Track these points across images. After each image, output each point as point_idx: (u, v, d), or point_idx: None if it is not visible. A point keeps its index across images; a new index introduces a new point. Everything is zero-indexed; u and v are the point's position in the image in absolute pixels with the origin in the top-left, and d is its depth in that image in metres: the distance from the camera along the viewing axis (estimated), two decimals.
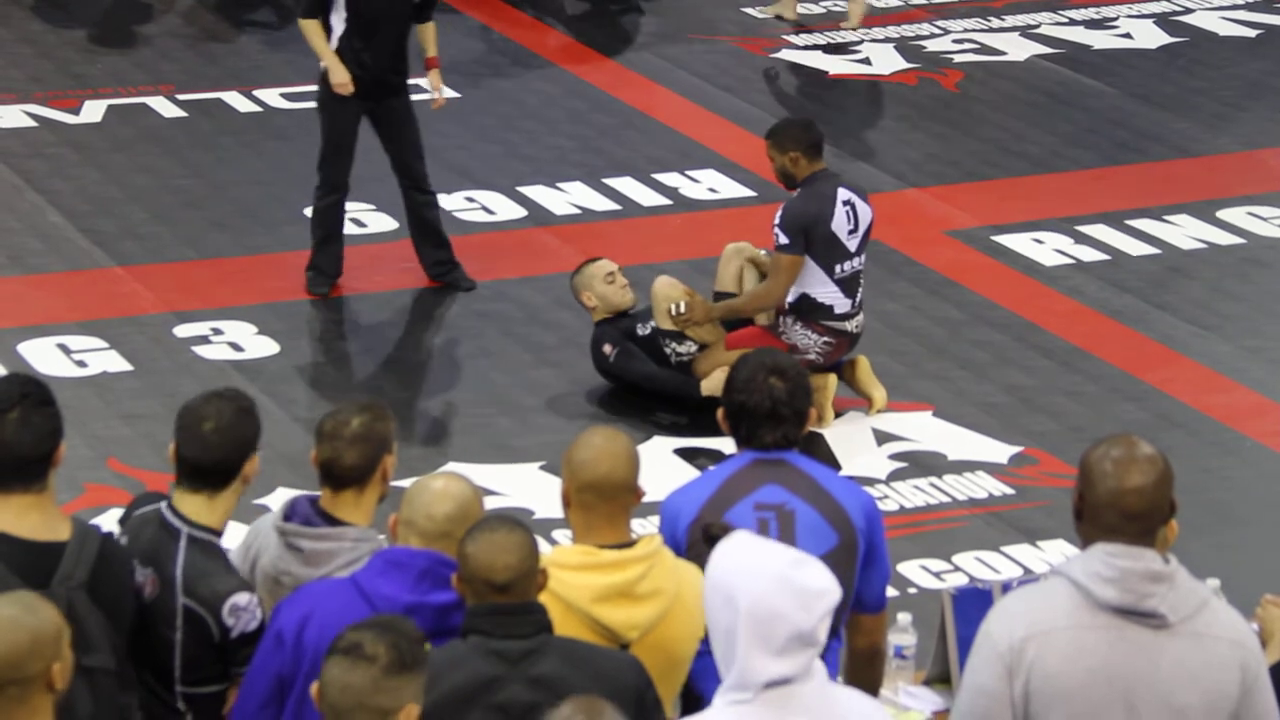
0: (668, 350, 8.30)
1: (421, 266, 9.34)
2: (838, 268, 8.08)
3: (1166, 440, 7.95)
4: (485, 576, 4.18)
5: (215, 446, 4.54)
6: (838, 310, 8.09)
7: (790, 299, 8.08)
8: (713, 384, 8.07)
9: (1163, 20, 13.01)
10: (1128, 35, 12.78)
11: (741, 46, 12.64)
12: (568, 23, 13.17)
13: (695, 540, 4.80)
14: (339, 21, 9.09)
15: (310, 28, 9.08)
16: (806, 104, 11.74)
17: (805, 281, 8.05)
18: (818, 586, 3.75)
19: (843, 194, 8.12)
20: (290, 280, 9.37)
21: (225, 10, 13.20)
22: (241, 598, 4.51)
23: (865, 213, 8.19)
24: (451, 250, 9.33)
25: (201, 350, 8.78)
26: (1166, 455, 4.13)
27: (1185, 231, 10.11)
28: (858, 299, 8.18)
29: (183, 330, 8.95)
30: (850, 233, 8.10)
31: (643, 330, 8.38)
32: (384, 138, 9.22)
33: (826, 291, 8.07)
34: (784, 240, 7.99)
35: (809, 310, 8.07)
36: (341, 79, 8.97)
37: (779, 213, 8.06)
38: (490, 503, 7.50)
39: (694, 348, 8.27)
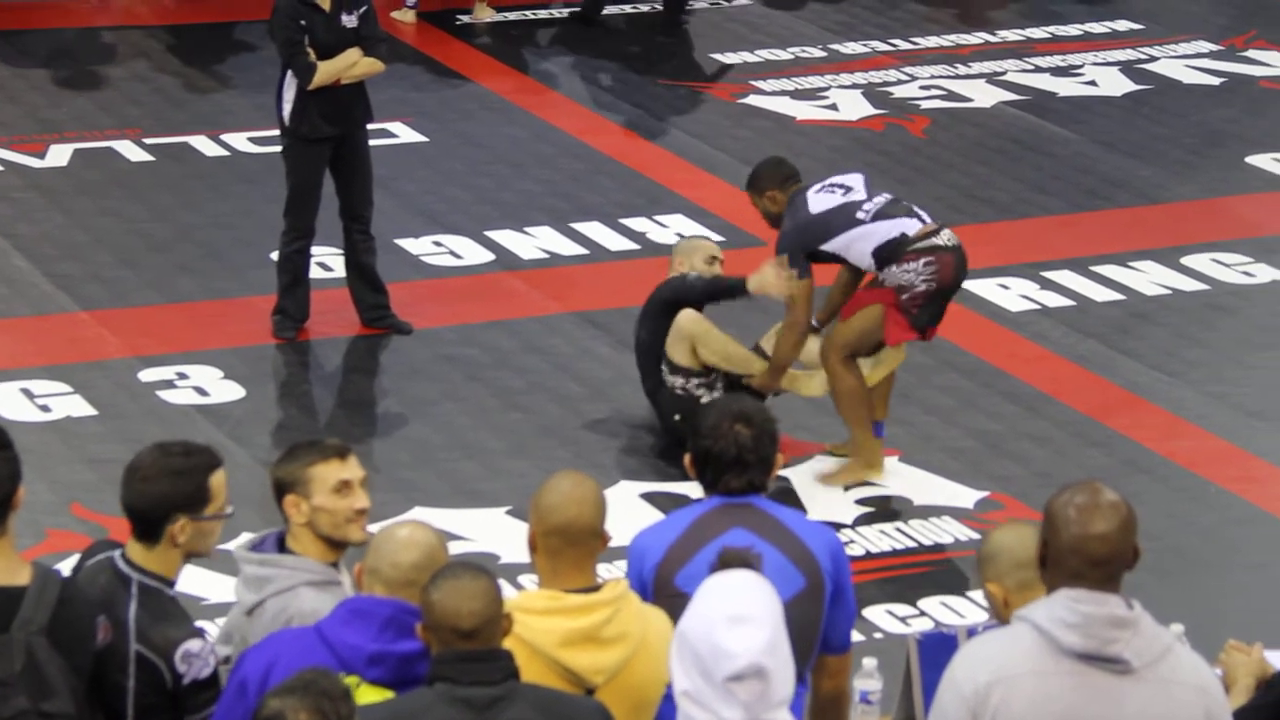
0: (666, 382, 8.27)
1: (357, 311, 9.36)
2: (859, 214, 7.99)
3: (1131, 486, 7.98)
4: (451, 623, 4.18)
5: (139, 497, 4.57)
6: (911, 234, 7.96)
7: (869, 263, 7.96)
8: (757, 281, 8.05)
9: (1128, 68, 13.10)
10: (1093, 83, 12.86)
11: (709, 92, 12.69)
12: (535, 67, 13.21)
13: (663, 583, 4.81)
14: None
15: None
16: (773, 149, 11.74)
17: (863, 245, 7.94)
18: (733, 648, 3.83)
19: (815, 185, 8.15)
20: (256, 324, 9.37)
21: (193, 54, 13.22)
22: (194, 644, 4.51)
23: (847, 177, 8.18)
24: (388, 296, 9.36)
25: (166, 395, 8.77)
26: (1131, 501, 4.15)
27: (1150, 277, 10.16)
28: (922, 215, 8.03)
29: (148, 375, 8.94)
30: (845, 193, 8.08)
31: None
32: (339, 179, 9.25)
33: (881, 233, 7.94)
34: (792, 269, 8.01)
35: (888, 254, 7.94)
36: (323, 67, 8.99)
37: (779, 241, 8.07)
38: (456, 547, 7.50)
39: (695, 387, 8.27)
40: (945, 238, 8.03)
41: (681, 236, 8.67)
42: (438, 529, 4.61)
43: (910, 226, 7.99)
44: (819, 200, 8.08)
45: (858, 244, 7.96)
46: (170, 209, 10.79)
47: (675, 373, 8.30)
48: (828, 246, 8.02)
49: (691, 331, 8.26)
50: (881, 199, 8.09)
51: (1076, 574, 4.05)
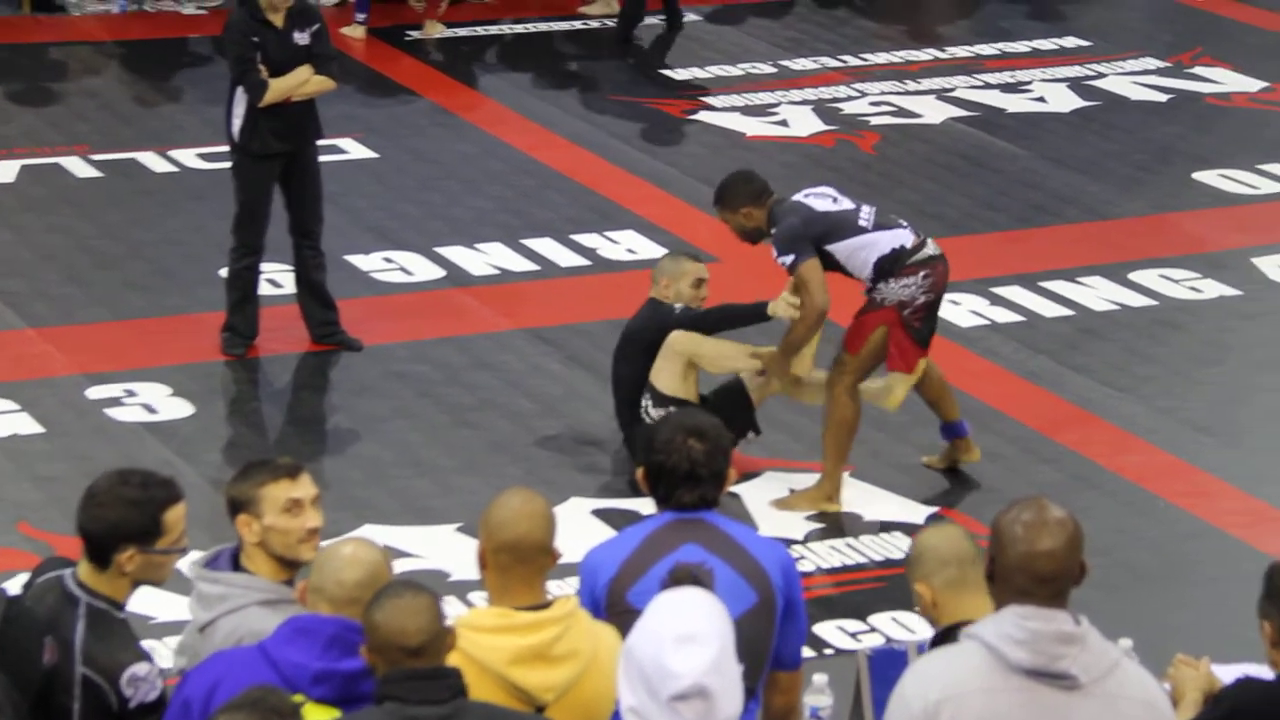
0: (645, 415, 8.20)
1: (306, 327, 9.33)
2: (861, 222, 7.98)
3: (1080, 501, 8.01)
4: (398, 642, 4.17)
5: (91, 521, 4.54)
6: (909, 245, 7.96)
7: (869, 274, 7.95)
8: (777, 306, 7.98)
9: (1076, 85, 13.16)
10: (1042, 99, 12.92)
11: (660, 108, 12.70)
12: (486, 83, 13.20)
13: (615, 600, 4.81)
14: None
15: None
16: (724, 165, 11.79)
17: (865, 256, 7.91)
18: (677, 668, 3.84)
19: (801, 193, 8.12)
20: (205, 341, 9.33)
21: (142, 70, 13.18)
22: (141, 668, 4.49)
23: (826, 188, 8.16)
24: (338, 312, 9.34)
25: (114, 412, 8.73)
26: (1080, 516, 4.17)
27: (1098, 293, 10.21)
28: (909, 226, 8.05)
29: (95, 392, 8.89)
30: (835, 202, 8.06)
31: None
32: (289, 195, 9.23)
33: (883, 244, 7.92)
34: (789, 257, 7.90)
35: (888, 266, 7.93)
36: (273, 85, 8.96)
37: (774, 249, 7.96)
38: (406, 565, 7.50)
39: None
40: (933, 247, 8.06)
41: (668, 253, 8.52)
42: (382, 546, 4.60)
43: (906, 238, 8.00)
44: (817, 203, 8.05)
45: (861, 252, 7.94)
46: (118, 225, 10.75)
47: (660, 403, 8.16)
48: (832, 249, 7.95)
49: (686, 350, 8.15)
50: (871, 208, 8.09)
51: (1024, 591, 4.06)
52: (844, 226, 7.97)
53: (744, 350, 8.23)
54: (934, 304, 8.00)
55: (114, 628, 4.55)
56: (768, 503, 8.02)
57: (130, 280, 10.09)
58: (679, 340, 8.16)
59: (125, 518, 4.53)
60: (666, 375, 8.18)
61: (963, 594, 4.64)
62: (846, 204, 8.08)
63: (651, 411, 8.20)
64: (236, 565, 4.74)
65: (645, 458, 4.91)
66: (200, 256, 10.22)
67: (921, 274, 7.94)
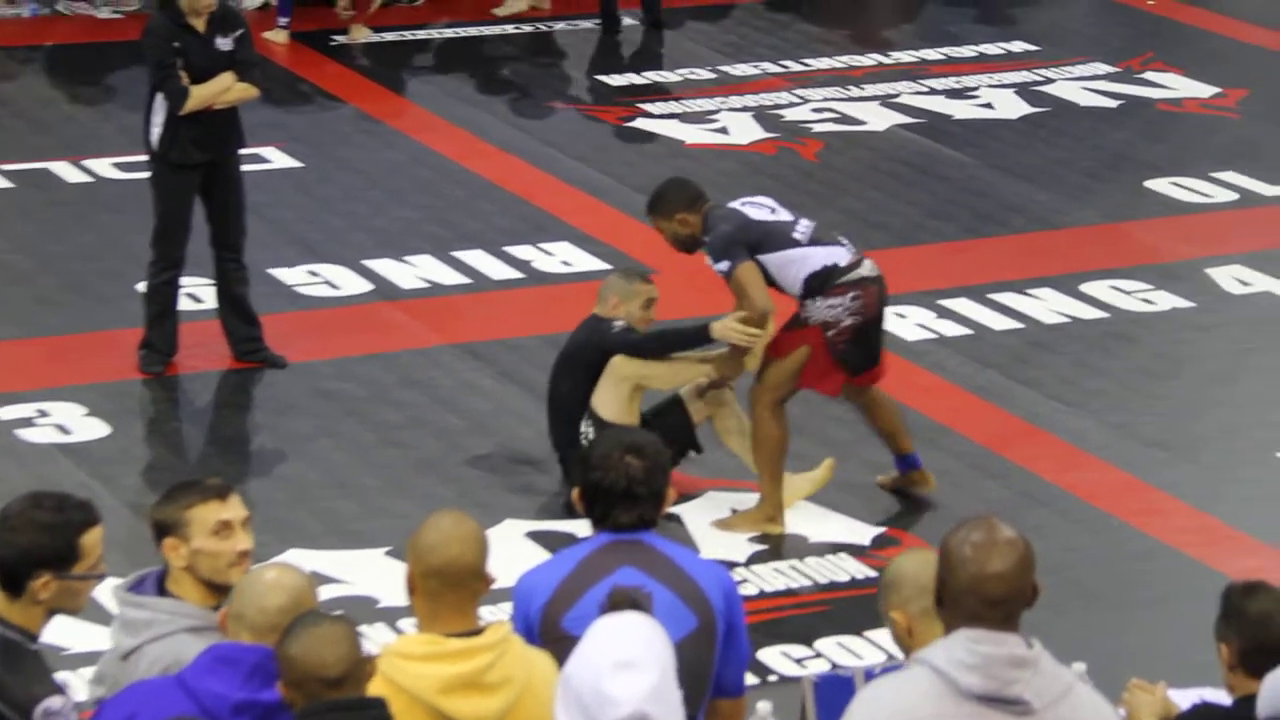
0: (584, 438, 8.18)
1: (228, 344, 9.29)
2: (796, 235, 8.01)
3: (1031, 519, 8.04)
4: (318, 674, 4.15)
5: (3, 547, 4.51)
6: (842, 264, 7.99)
7: (798, 290, 7.98)
8: (726, 330, 7.96)
9: (1024, 90, 13.23)
10: (989, 105, 12.98)
11: (595, 115, 12.70)
12: (414, 89, 13.18)
13: (549, 625, 4.79)
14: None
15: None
16: (662, 174, 11.77)
17: (796, 270, 7.94)
18: (616, 695, 3.82)
19: (737, 201, 8.14)
20: (122, 359, 9.28)
21: (56, 76, 13.10)
22: (55, 701, 4.45)
23: (763, 198, 8.19)
24: (261, 328, 9.30)
25: (26, 433, 8.66)
26: (1030, 535, 4.17)
27: (1048, 305, 10.25)
28: (847, 244, 8.08)
29: (6, 412, 8.83)
30: (773, 212, 8.09)
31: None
32: (210, 206, 9.20)
33: (816, 260, 7.95)
34: (725, 263, 7.91)
35: (818, 284, 7.96)
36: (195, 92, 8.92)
37: (708, 256, 7.96)
38: (333, 590, 7.46)
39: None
40: (869, 268, 8.08)
41: (628, 271, 8.48)
42: (306, 571, 4.58)
43: (841, 256, 8.02)
44: (753, 211, 8.07)
45: (792, 267, 7.96)
46: (31, 239, 10.68)
47: (601, 429, 8.17)
48: (764, 259, 7.97)
49: (634, 374, 8.14)
50: (808, 223, 8.11)
51: (974, 614, 4.07)
52: (778, 238, 7.99)
53: (692, 362, 8.22)
54: (863, 328, 8.02)
55: (26, 660, 4.51)
56: (709, 524, 8.01)
57: (43, 296, 10.02)
58: (625, 364, 8.15)
59: (39, 542, 4.49)
60: (610, 400, 8.17)
61: (940, 622, 4.63)
62: (784, 215, 8.10)
63: (591, 436, 8.18)
64: (162, 590, 4.70)
65: (581, 476, 4.90)
66: (117, 271, 10.15)
67: (850, 294, 7.98)
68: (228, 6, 9.29)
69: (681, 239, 8.11)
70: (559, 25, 14.36)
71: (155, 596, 4.68)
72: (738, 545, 8.02)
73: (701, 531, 8.06)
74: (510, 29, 14.28)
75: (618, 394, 8.16)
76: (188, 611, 4.64)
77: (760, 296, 7.90)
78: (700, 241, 8.06)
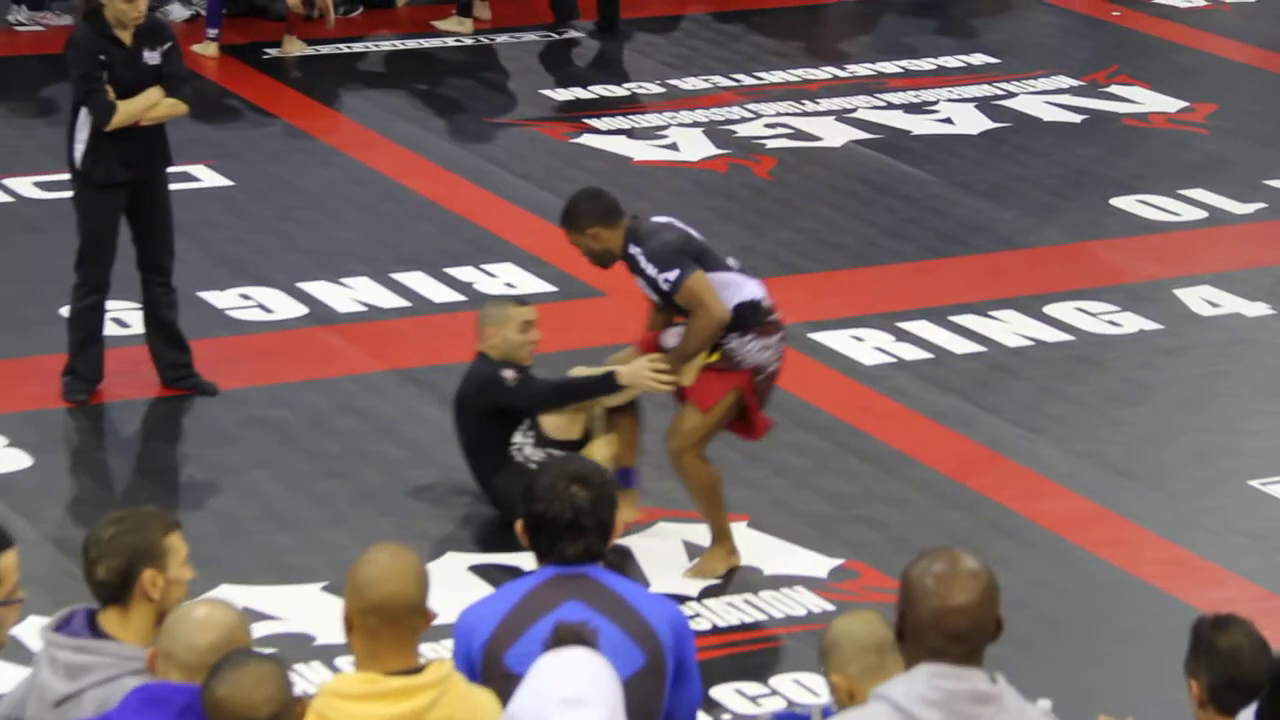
0: (516, 453, 8.18)
1: (157, 370, 9.27)
2: (729, 261, 8.04)
3: (995, 550, 8.06)
4: (246, 715, 4.14)
5: None
6: (766, 303, 8.02)
7: (735, 316, 7.95)
8: (636, 376, 7.96)
9: (984, 105, 13.29)
10: (948, 120, 13.04)
11: (540, 131, 12.72)
12: (350, 104, 13.17)
13: (492, 662, 4.78)
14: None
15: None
16: (612, 192, 11.81)
17: (725, 292, 7.93)
18: None
19: (662, 217, 8.17)
20: (45, 386, 9.24)
21: None
22: None
23: (676, 221, 8.20)
24: (191, 354, 9.28)
25: None
26: (994, 567, 4.19)
27: (1011, 328, 10.29)
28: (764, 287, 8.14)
29: None
30: (698, 233, 8.13)
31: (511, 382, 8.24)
32: (137, 227, 9.18)
33: (750, 290, 7.96)
34: (675, 274, 7.87)
35: (753, 315, 7.96)
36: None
37: (649, 265, 7.92)
38: (268, 628, 7.44)
39: (540, 457, 8.16)
40: (779, 311, 8.13)
41: (505, 297, 8.53)
42: (238, 608, 4.56)
43: (762, 293, 8.06)
44: (687, 227, 8.08)
45: (726, 291, 7.95)
46: None
47: (542, 444, 8.18)
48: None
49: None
50: (730, 259, 8.13)
51: (936, 648, 4.08)
52: (714, 259, 8.03)
53: (634, 364, 8.20)
54: (777, 372, 8.07)
55: None
56: (681, 576, 7.98)
57: None
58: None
59: None
60: (559, 422, 8.18)
61: (881, 679, 4.63)
62: (705, 240, 8.13)
63: (528, 451, 8.19)
64: (94, 629, 4.65)
65: (524, 507, 4.89)
66: (38, 295, 10.11)
67: (777, 336, 8.04)
68: (156, 18, 9.28)
69: (595, 253, 8.10)
70: (501, 38, 14.38)
71: (91, 638, 4.62)
72: (688, 580, 8.01)
73: (652, 565, 8.06)
74: (451, 41, 14.29)
75: (560, 419, 8.17)
76: (131, 654, 4.60)
77: (716, 305, 7.90)
78: (615, 256, 8.04)
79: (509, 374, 8.19)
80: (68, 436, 9.07)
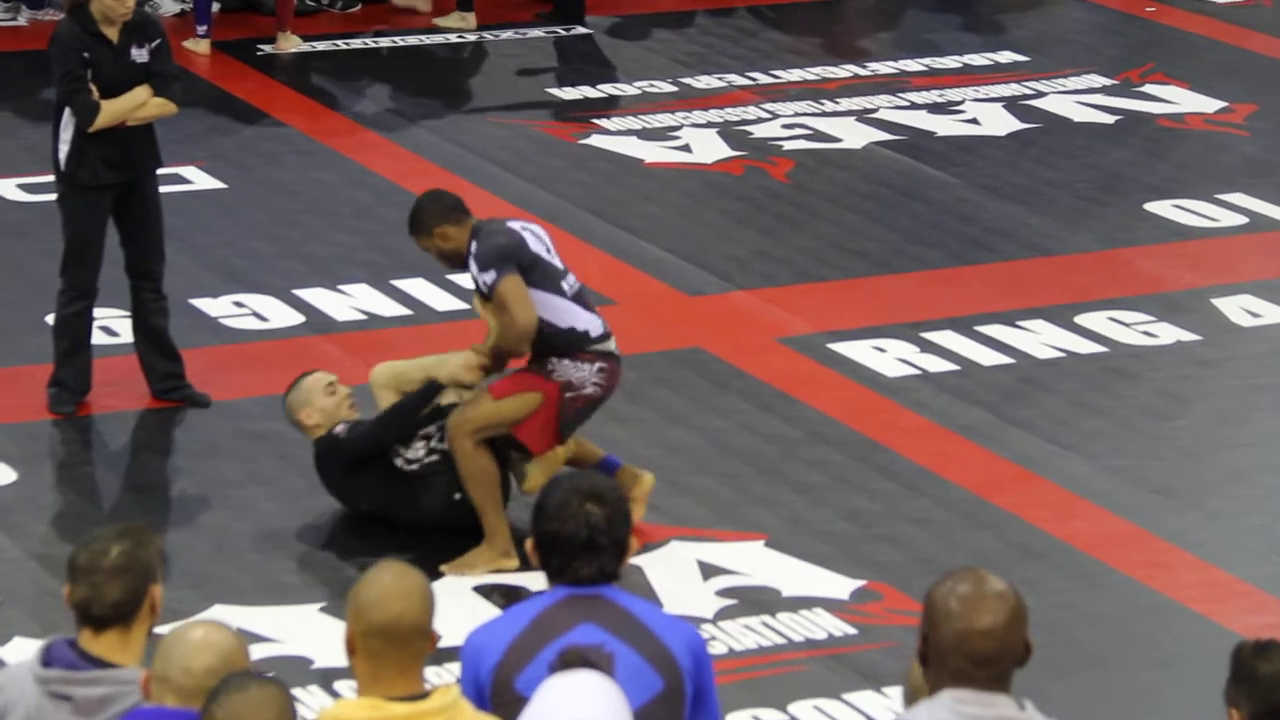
0: (398, 461, 8.29)
1: (147, 380, 9.31)
2: (564, 285, 8.22)
3: (1023, 572, 8.08)
4: None
5: None
6: (594, 334, 8.20)
7: (544, 342, 8.14)
8: (454, 369, 8.20)
9: (1012, 105, 13.32)
10: (974, 121, 13.06)
11: (547, 131, 12.75)
12: (351, 106, 13.21)
13: (501, 687, 4.81)
14: None
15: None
16: (619, 196, 11.87)
17: (548, 317, 8.12)
18: None
19: (512, 221, 8.31)
20: (29, 398, 9.27)
21: None
22: None
23: (543, 232, 8.36)
24: (182, 363, 9.31)
25: None
26: (1023, 589, 4.21)
27: (1041, 339, 10.31)
28: (601, 317, 8.29)
29: None
30: (548, 251, 8.27)
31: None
32: (125, 231, 9.21)
33: (574, 318, 8.15)
34: (491, 275, 8.05)
35: (567, 343, 8.16)
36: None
37: (473, 264, 8.10)
38: (263, 650, 7.47)
39: (422, 452, 8.28)
40: (613, 345, 8.28)
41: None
42: (236, 630, 4.59)
43: (595, 326, 8.23)
44: (530, 240, 8.21)
45: (549, 315, 8.12)
46: None
47: (406, 441, 8.30)
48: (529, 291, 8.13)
49: (384, 382, 8.36)
50: (574, 279, 8.28)
51: (961, 673, 4.10)
52: (547, 277, 8.19)
53: (442, 362, 8.35)
54: (595, 402, 8.22)
55: None
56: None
57: None
58: (379, 380, 8.35)
59: None
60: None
61: None
62: (556, 260, 8.28)
63: (406, 455, 8.29)
64: (84, 657, 4.65)
65: (536, 526, 4.92)
66: (21, 301, 10.15)
67: (597, 364, 8.20)
68: (145, 14, 9.29)
69: (445, 254, 8.27)
70: (506, 34, 14.42)
71: (92, 668, 4.63)
72: (705, 600, 8.05)
73: (666, 585, 8.09)
74: (454, 38, 14.33)
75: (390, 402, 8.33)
76: (133, 678, 4.62)
77: (524, 312, 8.07)
78: (466, 256, 8.15)
79: (339, 429, 8.37)
80: (53, 449, 9.09)
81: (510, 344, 8.14)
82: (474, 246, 8.13)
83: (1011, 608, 4.13)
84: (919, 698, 4.62)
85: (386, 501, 8.38)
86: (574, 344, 8.17)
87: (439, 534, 8.30)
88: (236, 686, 4.23)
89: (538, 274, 8.13)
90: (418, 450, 8.31)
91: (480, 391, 8.25)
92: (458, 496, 8.25)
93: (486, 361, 8.28)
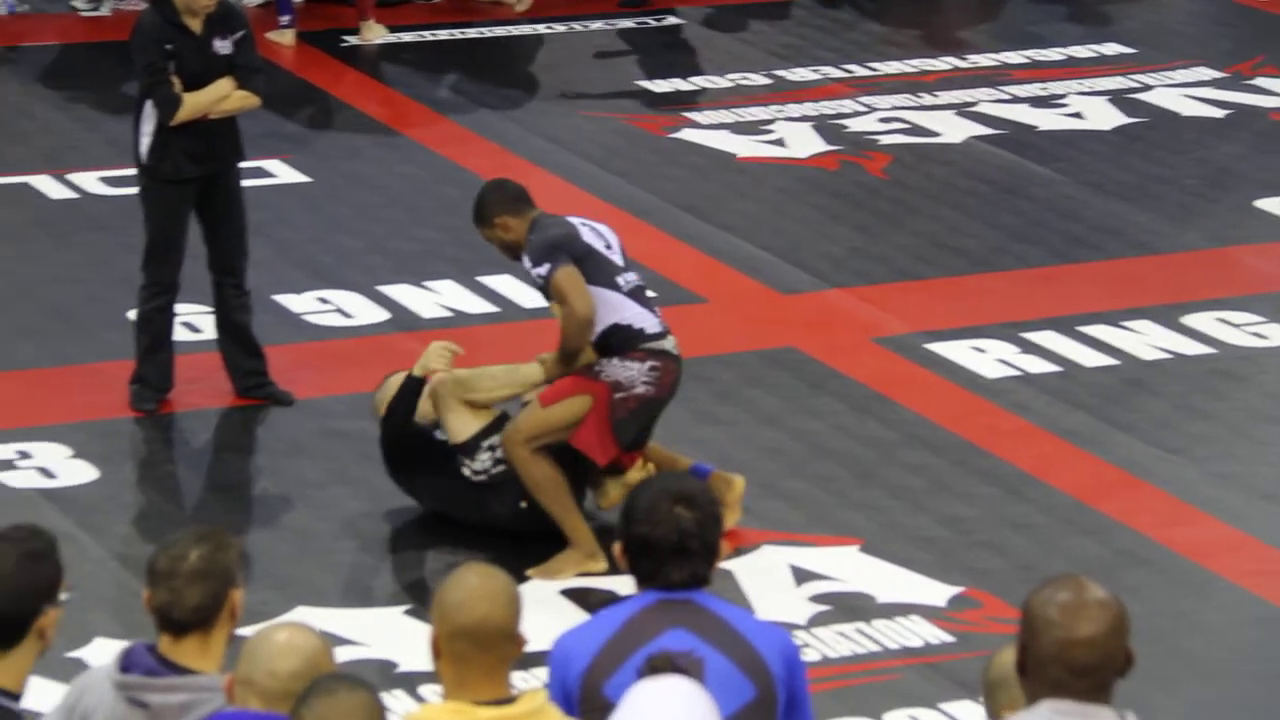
0: (465, 471, 8.31)
1: (230, 378, 9.36)
2: (619, 280, 8.22)
3: (1127, 579, 8.06)
4: None
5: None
6: (649, 330, 8.20)
7: (596, 337, 8.16)
8: (427, 360, 8.27)
9: (1118, 98, 13.26)
10: (1078, 115, 13.01)
11: (636, 125, 12.77)
12: (437, 98, 13.26)
13: (590, 693, 4.83)
14: None
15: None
16: (711, 191, 11.88)
17: (602, 313, 8.14)
18: None
19: (570, 217, 8.34)
20: (111, 395, 9.35)
21: (35, 79, 13.21)
22: None
23: (608, 230, 8.38)
24: (265, 361, 9.37)
25: (5, 477, 8.73)
26: (1126, 597, 4.20)
27: (1147, 339, 10.27)
28: (659, 315, 8.30)
29: None
30: (607, 248, 8.28)
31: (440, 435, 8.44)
32: (208, 226, 9.27)
33: (628, 314, 8.17)
34: (545, 268, 8.09)
35: (621, 340, 8.17)
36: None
37: (527, 259, 8.14)
38: (346, 653, 7.51)
39: (489, 463, 8.30)
40: (671, 344, 8.26)
41: None
42: (321, 632, 4.62)
43: (650, 323, 8.23)
44: (585, 234, 8.24)
45: (602, 310, 8.13)
46: (8, 261, 10.77)
47: (472, 452, 8.32)
48: None
49: (449, 392, 8.37)
50: (634, 276, 8.29)
51: (1060, 684, 4.09)
52: (602, 270, 8.19)
53: (522, 371, 8.38)
54: (650, 402, 8.20)
55: None
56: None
57: (21, 325, 10.10)
58: (439, 389, 8.36)
59: (43, 577, 4.54)
60: (460, 424, 8.34)
61: None
62: (616, 257, 8.30)
63: (469, 470, 8.30)
64: (163, 662, 4.70)
65: (625, 529, 4.94)
66: (103, 297, 10.23)
67: (649, 363, 8.18)
68: (228, 5, 9.32)
69: (507, 245, 8.32)
70: (596, 24, 14.45)
71: (170, 674, 4.67)
72: (799, 605, 8.05)
73: (759, 590, 8.10)
74: (543, 28, 14.36)
75: (458, 418, 8.33)
76: (212, 684, 4.66)
77: (583, 301, 8.09)
78: (523, 248, 8.20)
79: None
80: (135, 448, 9.16)
81: (572, 336, 8.14)
82: (529, 240, 8.17)
83: (1113, 616, 4.12)
84: (995, 694, 4.63)
85: (451, 503, 8.41)
86: (627, 340, 8.16)
87: (526, 538, 8.33)
88: (326, 690, 4.25)
89: (590, 266, 8.15)
90: (483, 460, 8.34)
91: (531, 401, 8.27)
92: (524, 504, 8.28)
93: (555, 372, 8.26)
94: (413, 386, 8.38)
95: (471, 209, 8.40)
